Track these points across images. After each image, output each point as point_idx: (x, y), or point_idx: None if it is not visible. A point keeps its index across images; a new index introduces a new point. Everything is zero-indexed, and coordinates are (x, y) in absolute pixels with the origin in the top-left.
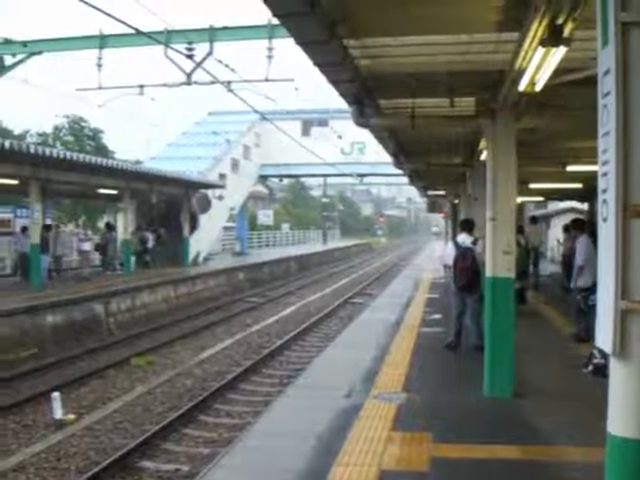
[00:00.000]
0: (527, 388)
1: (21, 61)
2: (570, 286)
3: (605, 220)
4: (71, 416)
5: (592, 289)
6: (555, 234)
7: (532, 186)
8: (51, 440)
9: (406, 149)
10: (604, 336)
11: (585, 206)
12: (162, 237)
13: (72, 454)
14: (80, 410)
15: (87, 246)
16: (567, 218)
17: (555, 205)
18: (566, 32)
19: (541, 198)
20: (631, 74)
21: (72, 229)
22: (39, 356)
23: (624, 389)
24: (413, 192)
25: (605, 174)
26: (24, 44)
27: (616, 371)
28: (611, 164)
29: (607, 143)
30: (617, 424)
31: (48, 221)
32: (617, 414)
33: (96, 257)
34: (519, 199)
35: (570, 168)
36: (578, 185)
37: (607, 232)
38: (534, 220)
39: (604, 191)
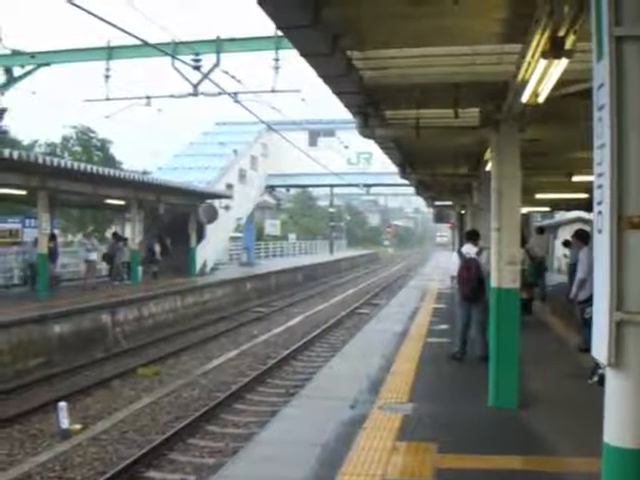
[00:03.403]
0: (532, 398)
1: (29, 72)
2: (570, 297)
3: (600, 232)
4: (77, 426)
5: (589, 302)
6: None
7: (538, 196)
8: (57, 450)
9: (412, 160)
10: (600, 347)
11: (592, 216)
12: (167, 247)
13: (78, 464)
14: (86, 420)
15: (94, 256)
16: (574, 228)
17: (562, 215)
18: (567, 44)
19: (547, 208)
20: (625, 88)
21: (80, 239)
22: (46, 365)
23: (620, 399)
24: (420, 202)
25: (600, 186)
26: (32, 55)
27: (611, 381)
28: (606, 176)
29: (602, 155)
30: (613, 434)
31: (56, 231)
32: (613, 424)
33: (103, 267)
34: (525, 209)
35: (576, 178)
36: (584, 195)
37: (602, 244)
38: (541, 230)
39: (599, 203)
